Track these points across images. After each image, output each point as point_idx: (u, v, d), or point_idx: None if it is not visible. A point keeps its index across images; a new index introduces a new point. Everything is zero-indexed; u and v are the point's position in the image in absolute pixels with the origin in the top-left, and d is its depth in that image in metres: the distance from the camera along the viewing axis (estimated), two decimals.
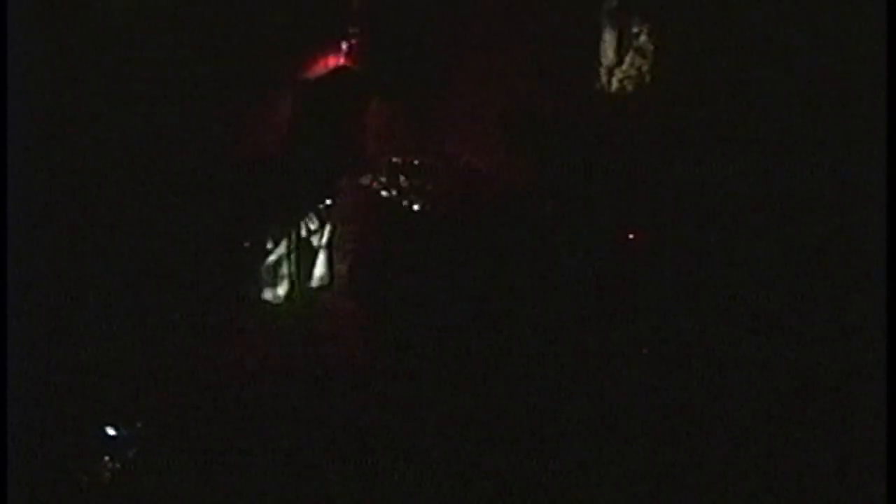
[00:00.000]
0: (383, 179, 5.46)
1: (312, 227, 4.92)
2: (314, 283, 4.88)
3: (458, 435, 3.77)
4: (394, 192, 5.36)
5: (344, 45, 5.29)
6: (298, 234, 4.85)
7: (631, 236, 4.73)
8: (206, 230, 4.42)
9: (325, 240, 4.93)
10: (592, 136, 5.00)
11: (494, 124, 5.29)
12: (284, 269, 4.82)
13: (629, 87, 4.95)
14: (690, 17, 4.64)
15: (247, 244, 4.65)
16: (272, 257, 4.78)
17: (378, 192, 5.37)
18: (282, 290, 4.76)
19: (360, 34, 5.26)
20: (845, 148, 4.04)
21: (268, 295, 4.70)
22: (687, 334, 4.19)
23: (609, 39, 4.97)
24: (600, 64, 5.02)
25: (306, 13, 4.91)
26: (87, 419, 3.64)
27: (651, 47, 4.85)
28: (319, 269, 4.91)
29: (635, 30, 4.89)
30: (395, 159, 5.44)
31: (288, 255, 4.83)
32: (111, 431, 3.63)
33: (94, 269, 3.94)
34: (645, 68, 4.86)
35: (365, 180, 5.43)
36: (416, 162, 5.40)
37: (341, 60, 5.33)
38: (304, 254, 4.84)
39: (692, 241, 4.47)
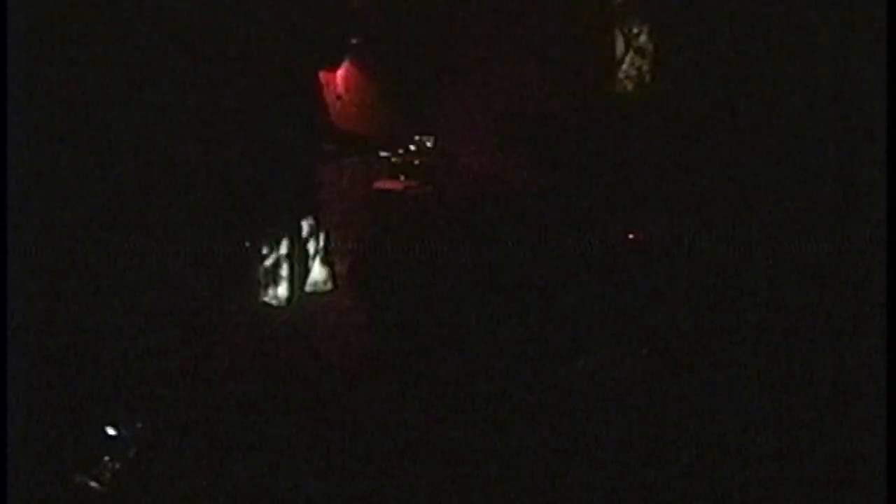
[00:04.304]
0: (384, 179, 5.47)
1: (313, 228, 4.92)
2: (315, 286, 4.87)
3: (457, 434, 3.77)
4: (394, 192, 5.37)
5: (344, 46, 5.29)
6: (299, 235, 4.85)
7: (631, 236, 4.73)
8: (206, 230, 4.42)
9: (323, 242, 4.93)
10: (592, 136, 5.00)
11: (495, 124, 5.30)
12: (284, 272, 4.81)
13: (629, 87, 4.96)
14: (690, 17, 4.65)
15: (247, 245, 4.65)
16: (272, 259, 4.77)
17: (378, 192, 5.37)
18: (282, 291, 4.76)
19: (361, 34, 5.27)
20: (846, 147, 4.05)
21: (267, 296, 4.70)
22: (687, 334, 4.20)
23: (609, 39, 4.98)
24: (600, 64, 5.02)
25: (307, 14, 4.91)
26: (87, 419, 3.64)
27: (651, 47, 4.85)
28: (320, 271, 4.91)
29: (635, 30, 4.89)
30: (395, 159, 5.44)
31: (288, 257, 4.83)
32: (111, 431, 3.63)
33: (94, 268, 3.94)
34: (645, 68, 4.86)
35: (366, 180, 5.43)
36: (416, 162, 5.40)
37: (341, 60, 5.33)
38: (304, 256, 4.85)
39: (692, 240, 4.47)
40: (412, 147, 5.36)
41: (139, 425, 3.68)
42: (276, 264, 4.75)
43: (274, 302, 4.67)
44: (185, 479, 3.51)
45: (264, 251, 4.72)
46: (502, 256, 4.68)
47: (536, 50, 5.18)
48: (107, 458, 3.54)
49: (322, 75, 5.23)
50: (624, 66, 4.95)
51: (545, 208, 4.89)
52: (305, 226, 4.87)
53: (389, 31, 5.35)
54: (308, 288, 4.83)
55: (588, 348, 4.23)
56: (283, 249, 4.75)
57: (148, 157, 4.20)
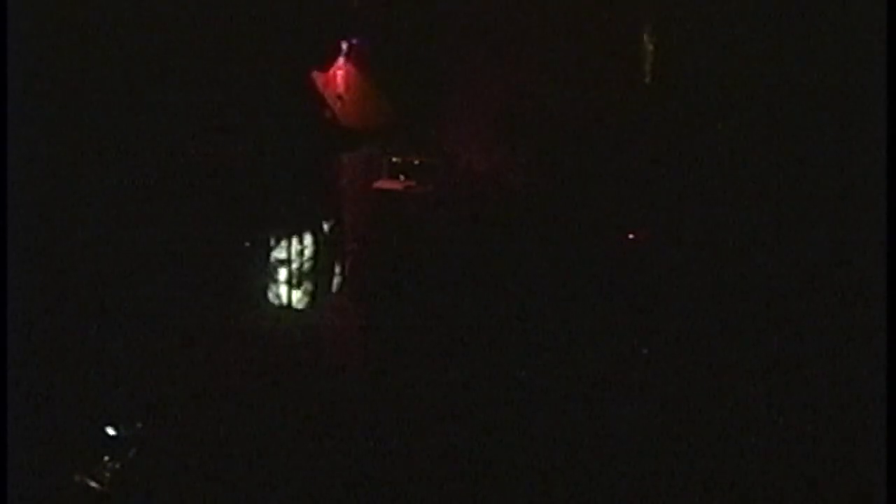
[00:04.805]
0: (384, 179, 5.47)
1: (314, 230, 4.91)
2: (329, 288, 4.86)
3: (458, 435, 3.77)
4: (394, 192, 5.37)
5: (344, 45, 5.29)
6: (300, 237, 4.84)
7: (631, 236, 4.73)
8: (206, 230, 4.42)
9: (327, 244, 4.92)
10: (593, 135, 5.00)
11: (495, 124, 5.29)
12: (286, 274, 4.81)
13: (630, 87, 4.95)
14: (690, 16, 4.65)
15: (247, 244, 4.65)
16: (275, 259, 4.77)
17: (378, 192, 5.37)
18: (304, 294, 4.75)
19: (361, 34, 5.26)
20: (846, 147, 4.04)
21: (276, 299, 4.70)
22: (687, 334, 4.19)
23: (610, 39, 4.97)
24: (601, 64, 5.02)
25: (307, 13, 4.90)
26: (87, 419, 3.64)
27: (651, 47, 4.85)
28: (330, 274, 4.90)
29: (636, 30, 4.89)
30: (394, 159, 5.44)
31: (289, 259, 4.82)
32: (111, 431, 3.63)
33: (95, 268, 3.94)
34: (645, 68, 4.86)
35: (365, 180, 5.43)
36: (416, 162, 5.40)
37: (342, 60, 5.33)
38: (312, 259, 4.84)
39: (692, 240, 4.47)
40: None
41: (139, 425, 3.67)
42: (282, 266, 4.75)
43: (298, 305, 4.67)
44: (185, 479, 3.51)
45: (276, 253, 4.72)
46: (503, 256, 4.67)
47: (537, 50, 5.17)
48: (107, 458, 3.54)
49: (322, 75, 5.22)
50: (625, 66, 4.94)
51: (546, 208, 4.89)
52: (326, 227, 4.86)
53: (389, 31, 5.34)
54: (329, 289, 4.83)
55: (590, 348, 4.23)
56: (308, 251, 4.75)
57: (149, 158, 4.20)
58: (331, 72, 5.31)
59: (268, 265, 4.74)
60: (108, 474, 3.51)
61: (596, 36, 5.01)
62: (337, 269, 4.94)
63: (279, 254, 4.77)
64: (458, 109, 5.44)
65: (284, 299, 4.73)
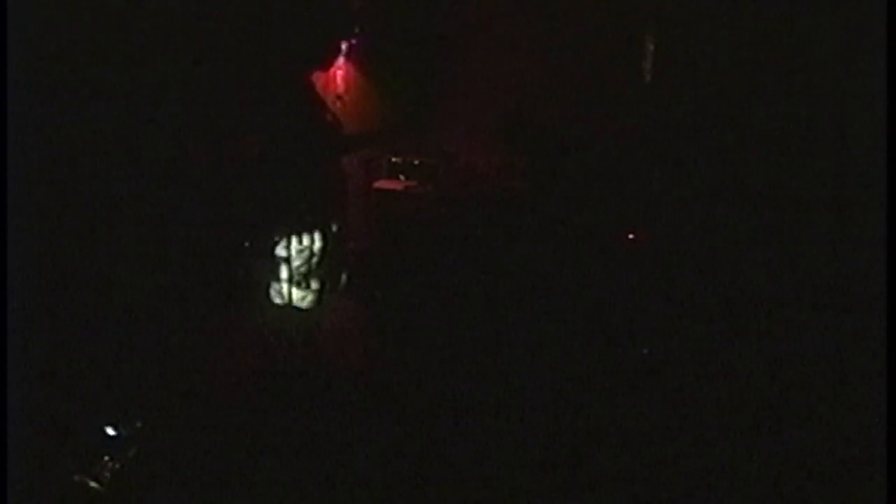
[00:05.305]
0: (384, 179, 5.48)
1: (314, 231, 4.91)
2: (330, 288, 4.87)
3: (459, 434, 3.78)
4: (394, 192, 5.38)
5: (344, 45, 5.30)
6: (299, 237, 4.85)
7: (631, 236, 4.74)
8: (204, 230, 4.42)
9: (328, 243, 4.93)
10: (592, 136, 5.01)
11: (494, 124, 5.30)
12: (287, 273, 4.81)
13: (630, 87, 4.96)
14: (690, 17, 4.66)
15: (247, 244, 4.65)
16: (276, 259, 4.77)
17: (378, 192, 5.38)
18: (289, 293, 4.75)
19: (361, 34, 5.27)
20: (845, 147, 4.05)
21: (277, 298, 4.70)
22: (687, 334, 4.20)
23: (609, 40, 4.98)
24: (601, 63, 5.03)
25: (307, 13, 4.91)
26: (87, 419, 3.64)
27: (651, 47, 4.86)
28: (331, 274, 4.89)
29: (636, 30, 4.90)
30: (394, 159, 5.46)
31: (290, 259, 4.82)
32: (111, 431, 3.63)
33: (96, 267, 3.94)
34: (645, 68, 4.87)
35: (365, 180, 5.44)
36: (416, 162, 5.41)
37: (342, 60, 5.34)
38: (314, 258, 4.84)
39: (692, 240, 4.48)
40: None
41: (139, 425, 3.68)
42: (299, 266, 4.74)
43: (300, 304, 4.67)
44: (186, 479, 3.51)
45: (277, 252, 4.72)
46: (502, 256, 4.68)
47: (537, 50, 5.18)
48: (107, 458, 3.54)
49: (322, 76, 5.23)
50: (625, 66, 4.96)
51: (545, 208, 4.90)
52: (325, 227, 4.86)
53: (389, 31, 5.36)
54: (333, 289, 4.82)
55: (590, 348, 4.23)
56: (309, 251, 4.74)
57: (149, 159, 4.20)
58: (331, 72, 5.32)
59: (269, 265, 4.74)
60: (108, 474, 3.51)
61: (596, 36, 5.02)
62: (337, 269, 4.94)
63: (280, 253, 4.77)
64: (458, 110, 5.45)
65: (286, 298, 4.73)
